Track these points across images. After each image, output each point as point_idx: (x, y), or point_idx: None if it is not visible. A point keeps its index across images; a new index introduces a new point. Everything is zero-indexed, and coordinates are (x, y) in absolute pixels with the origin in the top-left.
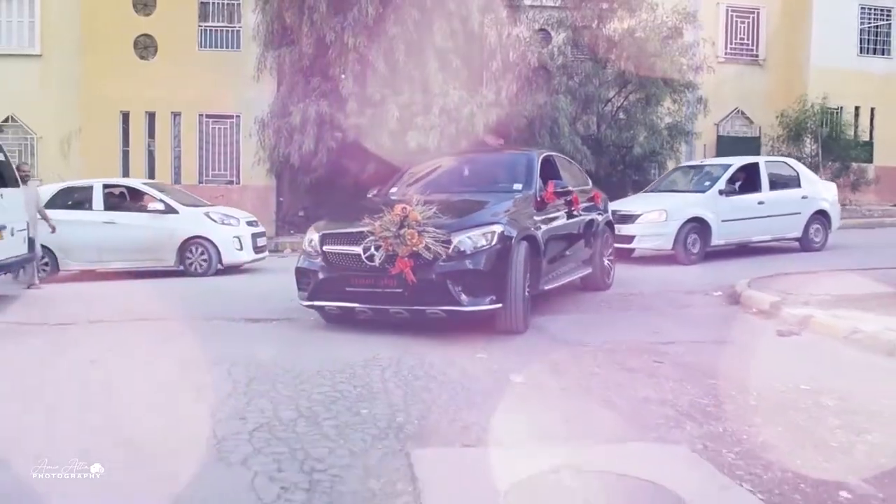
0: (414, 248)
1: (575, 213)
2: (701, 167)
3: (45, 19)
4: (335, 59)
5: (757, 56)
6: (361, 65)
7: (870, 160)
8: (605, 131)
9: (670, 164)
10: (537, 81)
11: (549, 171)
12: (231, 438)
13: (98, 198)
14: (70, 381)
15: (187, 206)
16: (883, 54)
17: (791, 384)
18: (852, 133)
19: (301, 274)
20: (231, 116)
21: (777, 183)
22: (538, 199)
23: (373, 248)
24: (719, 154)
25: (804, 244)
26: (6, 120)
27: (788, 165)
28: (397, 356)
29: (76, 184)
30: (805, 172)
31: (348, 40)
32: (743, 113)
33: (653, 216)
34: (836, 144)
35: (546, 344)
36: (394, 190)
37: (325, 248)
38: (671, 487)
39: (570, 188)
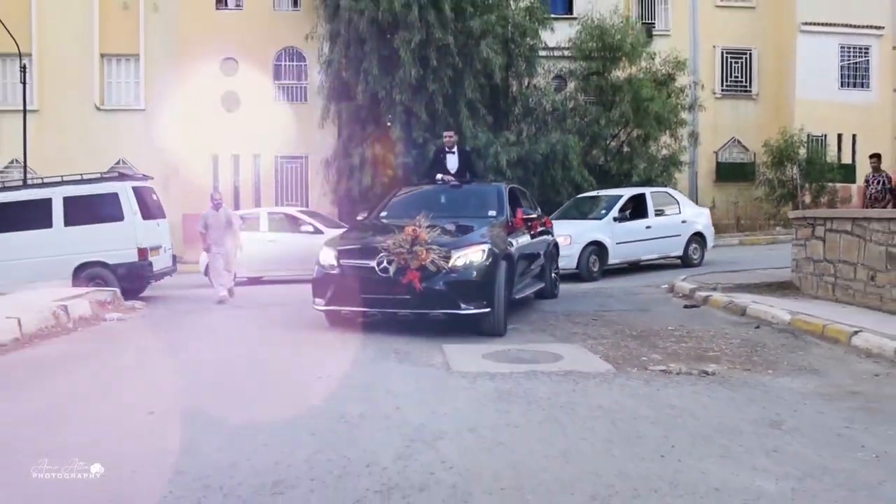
0: (422, 263)
1: (534, 235)
2: (597, 197)
3: (149, 79)
4: (385, 110)
5: (750, 91)
6: (407, 115)
7: (852, 180)
8: (610, 163)
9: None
10: (552, 123)
11: (514, 200)
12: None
13: (264, 221)
14: None
15: (329, 227)
16: (862, 87)
17: (664, 326)
18: (835, 158)
19: (319, 284)
20: (301, 157)
21: (661, 210)
22: (509, 224)
23: (385, 262)
24: (719, 178)
25: (685, 261)
26: (118, 162)
27: (670, 195)
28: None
29: (246, 212)
30: (683, 200)
31: (396, 95)
32: (739, 142)
33: (560, 240)
34: (813, 168)
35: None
36: (384, 213)
37: (342, 261)
38: (561, 353)
39: (533, 215)
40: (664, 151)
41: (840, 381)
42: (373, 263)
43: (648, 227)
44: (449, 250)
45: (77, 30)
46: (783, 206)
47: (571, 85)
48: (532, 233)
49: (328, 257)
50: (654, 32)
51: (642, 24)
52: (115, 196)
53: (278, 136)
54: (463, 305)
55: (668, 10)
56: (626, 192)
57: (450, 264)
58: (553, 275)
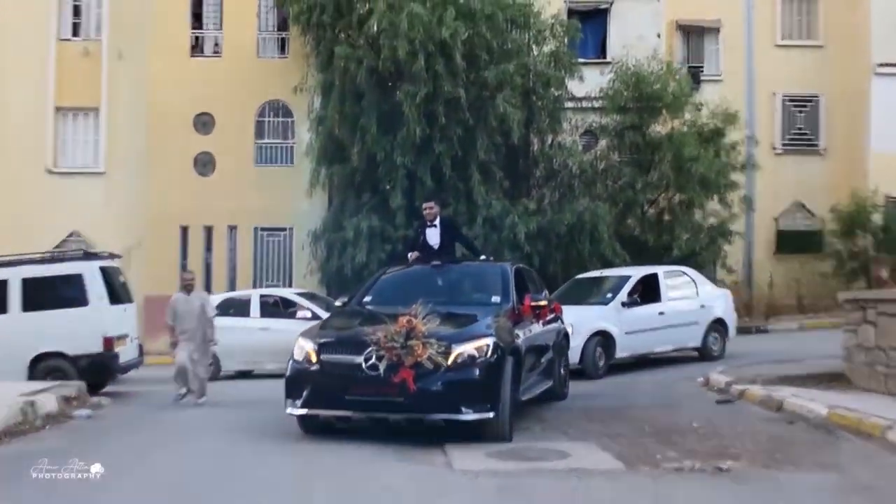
0: (418, 359)
1: (543, 324)
2: (601, 279)
3: (111, 138)
4: (385, 174)
5: (816, 145)
6: (410, 180)
7: None
8: (647, 234)
9: (715, 265)
10: (579, 187)
11: (520, 282)
12: None
13: (255, 306)
14: None
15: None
16: None
17: (689, 423)
18: None
19: (294, 382)
20: (284, 229)
21: (675, 292)
22: (516, 311)
23: (375, 358)
24: (780, 249)
25: (703, 353)
26: (70, 235)
27: (685, 274)
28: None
29: (237, 295)
30: (700, 280)
31: (397, 157)
32: (803, 206)
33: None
34: (890, 237)
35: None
36: (368, 298)
37: (322, 356)
38: (569, 451)
39: (542, 301)
40: (711, 220)
41: (858, 477)
42: (359, 359)
43: (661, 314)
44: (449, 344)
45: (29, 78)
46: (854, 282)
47: (603, 142)
48: (541, 321)
49: (306, 351)
50: (702, 78)
51: (688, 68)
52: (79, 278)
53: (259, 205)
54: (464, 409)
55: (718, 51)
56: (635, 273)
57: (449, 361)
58: (562, 371)
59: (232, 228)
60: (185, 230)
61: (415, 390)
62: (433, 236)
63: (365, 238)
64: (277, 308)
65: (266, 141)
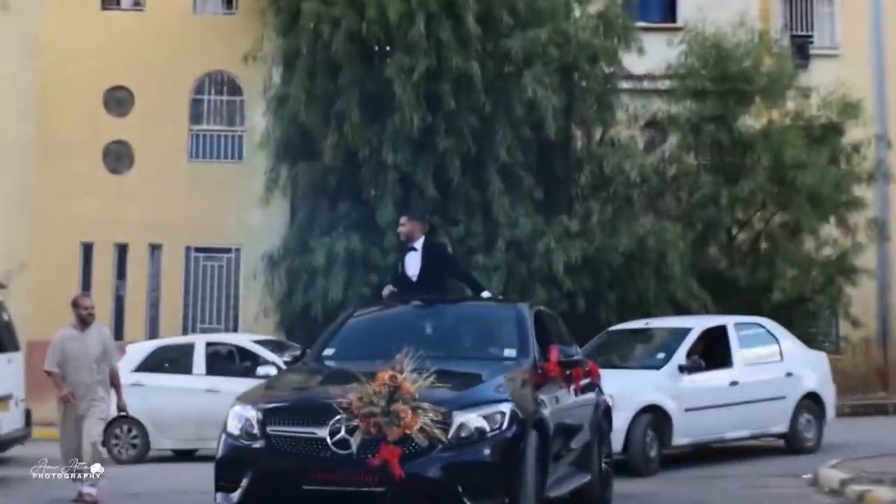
0: (407, 432)
1: (577, 392)
2: (647, 331)
3: None
4: (370, 178)
5: None
6: (404, 186)
7: None
8: (736, 269)
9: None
10: (640, 201)
11: (541, 332)
12: None
13: (199, 359)
14: None
15: None
16: None
17: None
18: None
19: (227, 467)
20: (228, 251)
21: (750, 353)
22: (538, 371)
23: (344, 430)
24: None
25: (792, 441)
26: None
27: (763, 328)
28: None
29: (173, 342)
30: (783, 335)
31: (387, 155)
32: None
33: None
34: None
35: None
36: (329, 351)
37: (270, 429)
38: None
39: (575, 356)
40: (827, 251)
41: None
42: (323, 432)
43: (734, 384)
44: (449, 412)
45: None
46: None
47: (672, 139)
48: (573, 388)
49: (245, 421)
50: (810, 52)
51: (791, 39)
52: None
53: (193, 217)
54: None
55: (833, 14)
56: (696, 323)
57: (450, 435)
58: (603, 462)
59: (155, 248)
60: (87, 248)
61: (402, 477)
62: (412, 263)
63: (342, 265)
64: (231, 362)
65: (205, 127)
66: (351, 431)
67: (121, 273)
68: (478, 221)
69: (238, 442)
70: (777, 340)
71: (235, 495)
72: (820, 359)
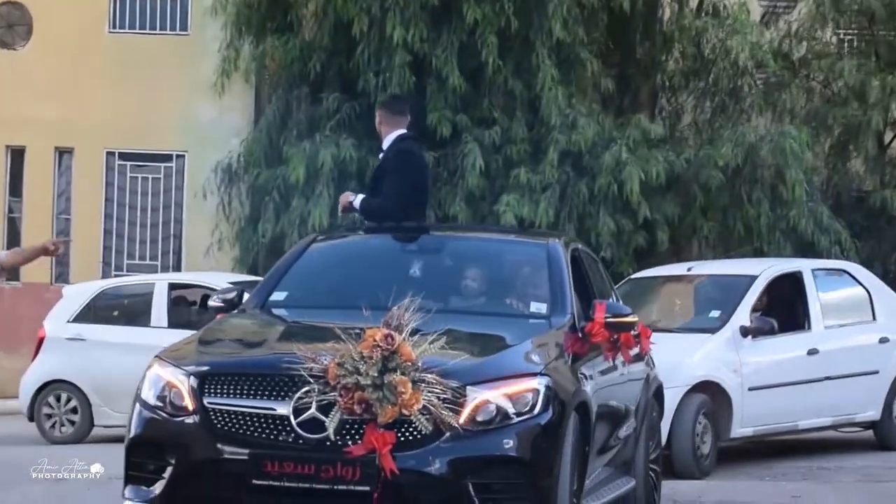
0: (404, 412)
1: (624, 364)
2: (690, 280)
3: None
4: (369, 61)
5: None
6: (417, 73)
7: None
8: (885, 192)
9: None
10: (750, 97)
11: (578, 280)
12: None
13: (160, 306)
14: None
15: None
16: None
17: None
18: None
19: (144, 450)
20: (168, 158)
21: (834, 313)
22: (579, 333)
23: (315, 407)
24: None
25: (883, 433)
26: None
27: (851, 277)
28: None
29: (124, 283)
30: (880, 291)
31: (393, 29)
32: None
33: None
34: None
35: None
36: (279, 296)
37: (207, 401)
38: None
39: (629, 317)
40: None
41: None
42: (284, 409)
43: (813, 353)
44: (462, 386)
45: None
46: None
47: (802, 7)
48: (618, 356)
49: (170, 389)
50: None
51: None
52: None
53: (118, 111)
54: None
55: None
56: (764, 269)
57: (463, 418)
58: (652, 459)
59: (63, 153)
60: None
61: (394, 472)
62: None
63: (328, 180)
64: (203, 311)
65: None
66: (325, 409)
67: (15, 188)
68: (521, 123)
69: (158, 415)
70: (869, 294)
71: (155, 488)
72: None
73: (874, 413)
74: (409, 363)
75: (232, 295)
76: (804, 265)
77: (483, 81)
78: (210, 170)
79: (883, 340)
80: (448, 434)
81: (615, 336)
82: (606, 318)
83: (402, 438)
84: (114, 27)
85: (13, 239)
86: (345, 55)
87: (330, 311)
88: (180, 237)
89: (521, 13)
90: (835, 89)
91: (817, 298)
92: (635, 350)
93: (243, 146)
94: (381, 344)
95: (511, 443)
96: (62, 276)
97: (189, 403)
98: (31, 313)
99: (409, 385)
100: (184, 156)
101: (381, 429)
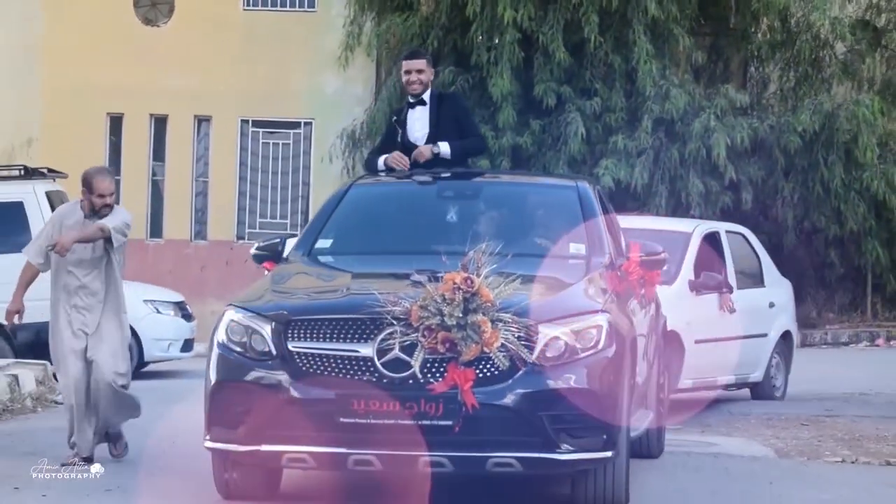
0: (485, 350)
1: (651, 302)
2: (628, 233)
3: None
4: (482, 38)
5: None
6: (525, 49)
7: None
8: None
9: None
10: (831, 68)
11: (606, 220)
12: None
13: None
14: None
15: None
16: None
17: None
18: None
19: (228, 396)
20: (296, 125)
21: (739, 275)
22: (617, 273)
23: (398, 348)
24: None
25: (760, 393)
26: None
27: (747, 242)
28: None
29: None
30: (765, 255)
31: (504, 9)
32: None
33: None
34: None
35: None
36: (325, 244)
37: (292, 345)
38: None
39: (661, 254)
40: None
41: None
42: (367, 350)
43: (733, 312)
44: (535, 324)
45: None
46: None
47: None
48: (647, 295)
49: (251, 332)
50: None
51: None
52: (18, 207)
53: (250, 82)
54: (563, 444)
55: None
56: (694, 227)
57: (535, 354)
58: (662, 399)
59: (201, 121)
60: (115, 122)
61: (476, 406)
62: (417, 121)
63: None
64: None
65: None
66: (407, 349)
67: (158, 153)
68: (619, 93)
69: (240, 360)
70: (759, 259)
71: (237, 432)
72: (788, 287)
73: (759, 374)
74: (489, 304)
75: (275, 242)
76: (720, 226)
77: (585, 56)
78: (335, 136)
79: (771, 305)
80: (523, 370)
81: (645, 276)
82: (641, 256)
83: (481, 375)
84: (247, 5)
85: (156, 198)
86: (459, 32)
87: (378, 258)
88: (307, 199)
89: None
90: None
91: (732, 259)
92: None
93: (366, 114)
94: (462, 286)
95: (580, 376)
96: (200, 233)
97: (272, 348)
98: (172, 267)
99: (490, 324)
100: (311, 123)
101: (462, 366)
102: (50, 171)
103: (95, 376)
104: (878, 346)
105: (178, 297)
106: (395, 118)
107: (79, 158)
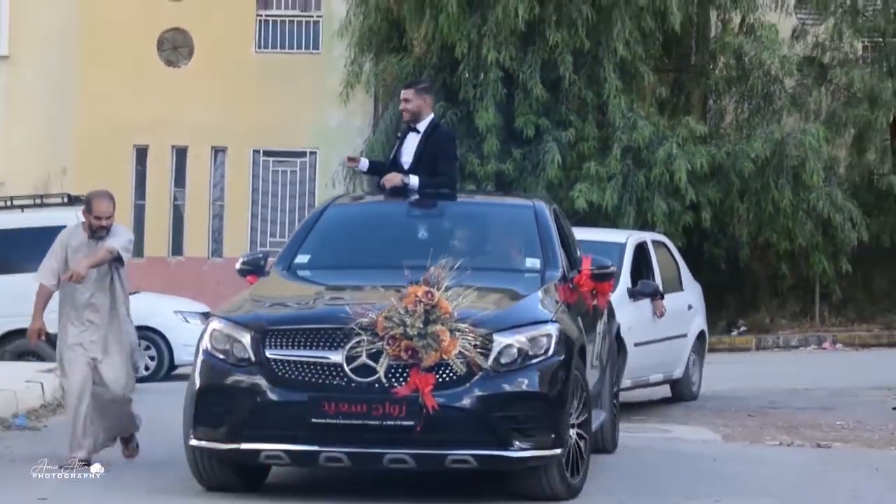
0: (444, 357)
1: (601, 313)
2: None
3: (16, 16)
4: (468, 76)
5: None
6: (507, 85)
7: None
8: (892, 177)
9: None
10: (781, 101)
11: (560, 237)
12: None
13: None
14: None
15: None
16: None
17: (833, 422)
18: None
19: (211, 398)
20: (303, 154)
21: (663, 280)
22: (569, 286)
23: (365, 355)
24: None
25: (680, 388)
26: None
27: (668, 250)
28: None
29: None
30: (682, 262)
31: (488, 52)
32: None
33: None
34: None
35: None
36: (303, 259)
37: (270, 353)
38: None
39: (610, 268)
40: None
41: None
42: (337, 357)
43: (661, 316)
44: (490, 333)
45: None
46: None
47: (829, 20)
48: (598, 306)
49: (232, 341)
50: None
51: None
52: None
53: (262, 116)
54: (515, 442)
55: None
56: (627, 237)
57: (490, 360)
58: (614, 402)
59: (218, 151)
60: (141, 153)
61: (435, 408)
62: (406, 149)
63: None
64: None
65: (275, 13)
66: (373, 356)
67: (179, 180)
68: (591, 124)
69: (223, 366)
70: (677, 265)
71: (218, 430)
72: (700, 291)
73: (680, 371)
74: (448, 315)
75: (259, 257)
76: (646, 236)
77: (560, 91)
78: (338, 164)
79: (690, 307)
80: (479, 375)
81: (593, 287)
82: (592, 270)
83: (440, 380)
84: (259, 48)
85: (177, 221)
86: (448, 71)
87: (350, 272)
88: None
89: (591, 35)
90: (853, 93)
91: (658, 266)
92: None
93: (365, 144)
94: (423, 299)
95: (531, 380)
96: (216, 252)
97: (251, 355)
98: (192, 282)
99: (448, 334)
100: (316, 153)
101: (423, 372)
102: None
103: (102, 391)
104: (825, 349)
105: (204, 308)
106: (398, 135)
107: (108, 186)
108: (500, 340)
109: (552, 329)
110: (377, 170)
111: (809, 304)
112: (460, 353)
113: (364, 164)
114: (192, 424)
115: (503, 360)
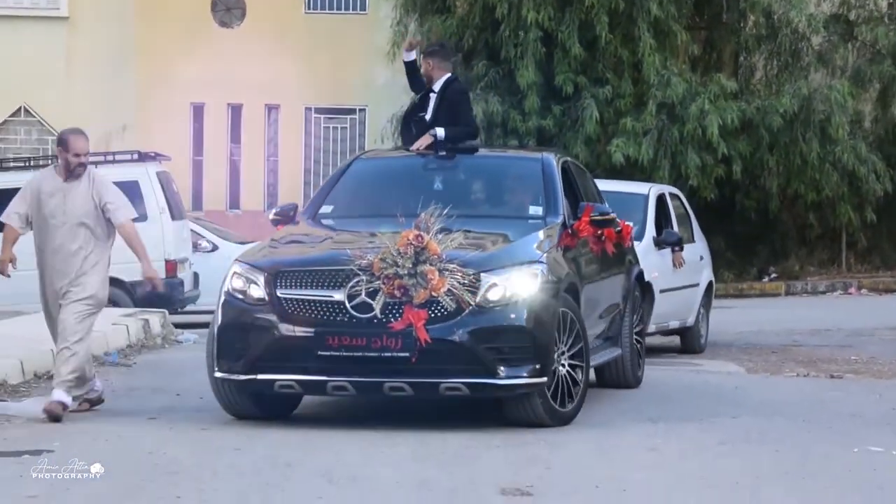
0: (434, 294)
1: (609, 256)
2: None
3: None
4: (509, 36)
5: None
6: (546, 44)
7: None
8: None
9: None
10: (808, 57)
11: (569, 186)
12: None
13: None
14: None
15: None
16: None
17: (848, 357)
18: None
19: (229, 332)
20: (352, 111)
21: (679, 231)
22: (569, 231)
23: (364, 293)
24: None
25: (689, 338)
26: (17, 112)
27: (682, 202)
28: None
29: None
30: (692, 215)
31: (527, 12)
32: None
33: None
34: None
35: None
36: (326, 210)
37: (280, 292)
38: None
39: (609, 215)
40: None
41: None
42: (340, 295)
43: (681, 265)
44: (477, 273)
45: None
46: None
47: None
48: (605, 249)
49: (248, 283)
50: None
51: None
52: (134, 186)
53: (313, 74)
54: (502, 370)
55: None
56: (648, 189)
57: (478, 297)
58: (637, 340)
59: (271, 109)
60: (198, 109)
61: (428, 342)
62: (429, 108)
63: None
64: None
65: None
66: (371, 294)
67: (235, 137)
68: (626, 82)
69: (239, 304)
70: (689, 217)
71: (239, 364)
72: (706, 243)
73: (692, 319)
74: (436, 256)
75: (289, 208)
76: (665, 188)
77: (597, 50)
78: (386, 121)
79: (701, 258)
80: (467, 310)
81: (600, 232)
82: (592, 216)
83: (433, 315)
84: (308, 8)
85: (234, 176)
86: (490, 31)
87: (368, 220)
88: None
89: None
90: (879, 49)
91: (675, 218)
92: (616, 247)
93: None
94: (413, 242)
95: (517, 315)
96: (272, 205)
97: (265, 295)
98: (248, 234)
99: (437, 273)
100: (365, 110)
101: (416, 308)
102: (157, 154)
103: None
104: (850, 294)
105: None
106: (419, 95)
107: (167, 142)
108: (487, 279)
109: (538, 269)
110: (414, 70)
111: (836, 252)
112: (449, 290)
113: (411, 56)
114: (216, 358)
115: (490, 297)
